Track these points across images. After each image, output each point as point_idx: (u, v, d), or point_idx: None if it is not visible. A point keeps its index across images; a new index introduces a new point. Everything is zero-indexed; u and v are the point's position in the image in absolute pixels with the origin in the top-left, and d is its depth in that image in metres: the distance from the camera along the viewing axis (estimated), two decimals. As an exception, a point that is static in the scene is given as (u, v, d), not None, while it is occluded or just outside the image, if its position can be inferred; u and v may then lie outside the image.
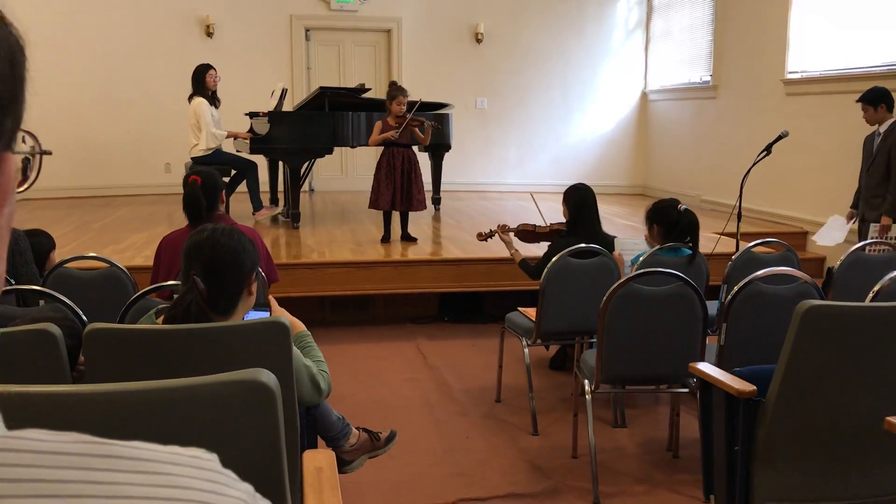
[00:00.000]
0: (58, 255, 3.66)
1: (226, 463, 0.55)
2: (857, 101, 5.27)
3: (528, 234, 4.40)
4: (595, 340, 3.30)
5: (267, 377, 1.13)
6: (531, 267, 4.17)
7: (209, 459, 0.53)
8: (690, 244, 3.67)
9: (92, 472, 0.47)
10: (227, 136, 6.99)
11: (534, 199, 4.75)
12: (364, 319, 5.83)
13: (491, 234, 4.44)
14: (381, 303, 5.92)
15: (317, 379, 2.15)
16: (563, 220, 4.21)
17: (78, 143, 9.17)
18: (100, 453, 0.49)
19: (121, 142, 9.29)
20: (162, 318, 2.02)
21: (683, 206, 3.68)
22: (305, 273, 5.45)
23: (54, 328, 1.91)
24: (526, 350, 3.91)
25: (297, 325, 2.27)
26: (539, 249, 4.44)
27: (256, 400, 1.12)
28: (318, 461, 1.67)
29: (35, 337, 1.87)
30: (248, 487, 0.54)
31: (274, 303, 2.33)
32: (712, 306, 3.68)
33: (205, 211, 3.25)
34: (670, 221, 3.66)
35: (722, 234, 5.70)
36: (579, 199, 4.09)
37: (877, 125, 5.26)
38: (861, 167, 5.48)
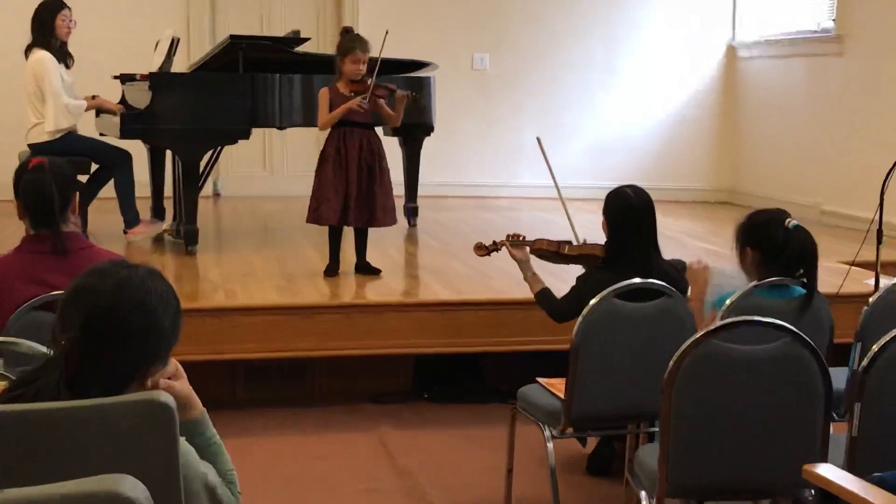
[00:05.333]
0: None
1: None
2: None
3: (549, 254, 4.47)
4: (657, 430, 3.27)
5: (131, 487, 1.09)
6: (556, 302, 4.21)
7: None
8: (804, 279, 3.69)
9: None
10: (87, 109, 6.97)
11: (541, 146, 5.21)
12: (298, 397, 5.79)
13: (496, 248, 4.56)
14: (325, 371, 5.88)
15: (218, 494, 2.11)
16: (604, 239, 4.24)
17: None
18: None
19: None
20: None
21: (794, 222, 3.70)
22: (206, 324, 5.40)
23: None
24: (550, 444, 3.90)
25: (195, 407, 2.20)
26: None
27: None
28: None
29: None
30: None
31: (175, 365, 2.22)
32: (839, 376, 3.66)
33: (58, 211, 3.25)
34: (773, 244, 3.69)
35: (853, 263, 5.71)
36: (627, 211, 4.12)
37: None
38: None
